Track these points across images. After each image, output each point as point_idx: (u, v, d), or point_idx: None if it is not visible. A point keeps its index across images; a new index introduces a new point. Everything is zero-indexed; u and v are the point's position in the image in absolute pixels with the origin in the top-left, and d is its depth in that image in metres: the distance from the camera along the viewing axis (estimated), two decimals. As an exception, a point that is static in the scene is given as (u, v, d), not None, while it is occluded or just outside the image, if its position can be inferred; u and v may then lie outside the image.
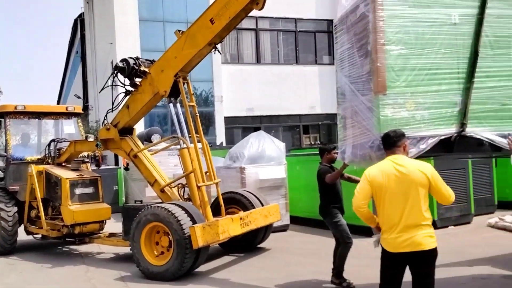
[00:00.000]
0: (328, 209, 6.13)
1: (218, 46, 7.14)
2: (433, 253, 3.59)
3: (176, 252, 6.50)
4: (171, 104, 7.52)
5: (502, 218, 9.34)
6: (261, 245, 8.55)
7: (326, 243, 8.67)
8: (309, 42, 18.62)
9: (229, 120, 17.25)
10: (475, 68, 4.74)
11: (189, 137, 7.47)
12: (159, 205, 6.96)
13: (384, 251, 3.71)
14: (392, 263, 3.66)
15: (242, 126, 17.53)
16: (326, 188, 6.12)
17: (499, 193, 10.91)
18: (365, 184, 3.76)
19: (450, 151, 4.82)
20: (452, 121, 4.73)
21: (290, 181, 10.48)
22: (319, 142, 17.90)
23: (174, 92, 7.45)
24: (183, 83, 7.36)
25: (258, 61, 18.00)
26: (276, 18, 17.75)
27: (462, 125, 4.72)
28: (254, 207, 7.95)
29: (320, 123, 18.59)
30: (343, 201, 6.27)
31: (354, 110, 5.07)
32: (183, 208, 6.71)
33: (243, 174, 9.43)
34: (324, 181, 6.06)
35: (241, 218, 7.37)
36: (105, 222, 8.80)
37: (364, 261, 7.05)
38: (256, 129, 15.00)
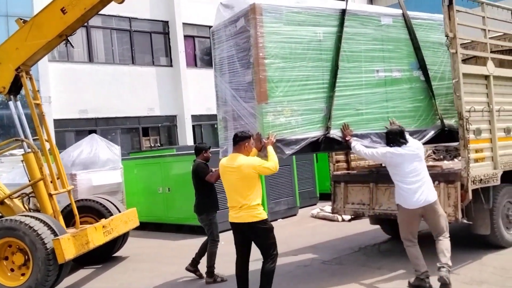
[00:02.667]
0: (205, 206, 6.43)
1: (70, 38, 6.80)
2: (256, 225, 4.77)
3: (36, 269, 6.08)
4: (11, 102, 6.88)
5: (322, 209, 10.76)
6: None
7: (165, 247, 8.97)
8: (145, 42, 18.44)
9: (59, 123, 16.07)
10: (336, 79, 5.61)
11: (34, 140, 6.93)
12: (10, 218, 6.36)
13: (230, 223, 4.98)
14: (235, 231, 4.97)
15: (75, 130, 16.53)
16: (204, 185, 6.36)
17: (320, 186, 12.48)
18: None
19: (317, 150, 5.67)
20: (319, 125, 5.54)
21: (127, 186, 10.48)
22: (159, 145, 17.89)
23: (14, 89, 6.84)
24: (27, 78, 6.79)
25: (90, 60, 17.17)
26: (109, 15, 17.13)
27: (327, 128, 5.56)
28: (111, 214, 7.79)
29: (160, 125, 18.58)
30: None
31: (237, 114, 5.57)
32: (40, 220, 6.31)
33: (74, 181, 9.15)
34: (201, 178, 6.31)
35: (103, 226, 7.14)
36: None
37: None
38: (91, 132, 14.31)
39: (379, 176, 6.90)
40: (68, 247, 6.16)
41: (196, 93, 18.70)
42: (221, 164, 5.04)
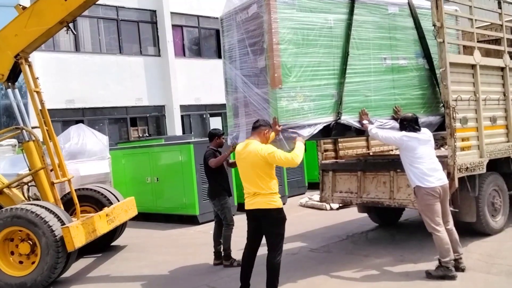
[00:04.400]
0: (216, 191, 6.51)
1: (71, 24, 6.71)
2: (270, 212, 4.73)
3: (45, 257, 6.05)
4: (9, 90, 6.84)
5: (311, 198, 10.86)
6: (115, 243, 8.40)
7: (153, 236, 9.00)
8: (133, 31, 18.31)
9: (46, 113, 15.94)
10: (346, 66, 5.69)
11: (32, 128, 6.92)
12: (16, 207, 6.34)
13: (245, 211, 4.94)
14: (249, 218, 4.94)
15: (61, 120, 16.38)
16: (211, 171, 6.44)
17: (308, 175, 12.57)
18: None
19: (328, 135, 5.76)
20: (331, 111, 5.60)
21: (115, 176, 10.48)
22: (147, 135, 17.85)
23: (13, 76, 6.81)
24: (26, 65, 6.72)
25: (77, 49, 17.02)
26: (95, 4, 16.91)
27: (338, 114, 5.63)
28: (111, 203, 7.78)
29: (148, 115, 18.52)
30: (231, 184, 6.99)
31: (248, 101, 5.60)
32: (47, 208, 6.29)
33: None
34: (207, 163, 6.40)
35: (107, 215, 7.15)
36: None
37: (190, 249, 7.64)
38: (78, 122, 14.23)
39: (366, 164, 6.99)
40: (77, 235, 6.15)
41: (185, 83, 18.67)
42: (236, 150, 5.05)
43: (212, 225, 9.63)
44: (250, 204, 4.80)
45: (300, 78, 5.36)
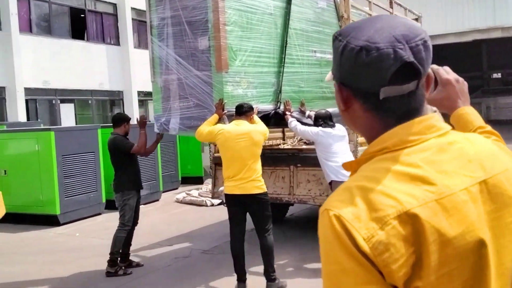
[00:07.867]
0: (121, 184, 5.74)
1: None
2: (260, 196, 4.76)
3: None
4: None
5: (189, 193, 10.28)
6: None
7: (1, 241, 7.63)
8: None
9: None
10: (285, 55, 5.67)
11: None
12: None
13: (226, 195, 4.91)
14: (234, 204, 4.83)
15: None
16: (122, 161, 5.71)
17: (182, 170, 12.02)
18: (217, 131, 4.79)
19: (267, 124, 5.53)
20: (271, 99, 5.58)
21: None
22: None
23: None
24: None
25: None
26: None
27: (278, 103, 5.63)
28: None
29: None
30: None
31: (185, 83, 5.22)
32: None
33: None
34: (122, 151, 5.68)
35: None
36: None
37: (54, 256, 6.59)
38: None
39: (264, 158, 6.60)
40: None
41: (31, 63, 16.37)
42: (225, 130, 4.75)
43: (77, 225, 8.38)
44: (237, 188, 4.72)
45: (244, 63, 5.21)
